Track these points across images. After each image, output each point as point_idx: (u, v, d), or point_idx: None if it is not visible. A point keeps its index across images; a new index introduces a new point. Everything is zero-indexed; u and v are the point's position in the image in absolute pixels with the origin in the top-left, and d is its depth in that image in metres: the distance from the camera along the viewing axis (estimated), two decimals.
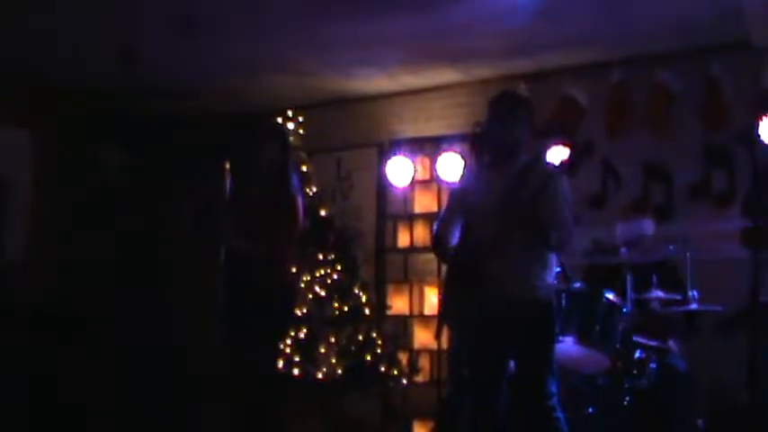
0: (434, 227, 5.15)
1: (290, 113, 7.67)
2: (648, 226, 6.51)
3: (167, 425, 7.09)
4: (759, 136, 6.48)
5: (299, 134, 7.67)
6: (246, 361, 5.44)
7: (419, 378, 7.82)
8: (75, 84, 8.26)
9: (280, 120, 7.53)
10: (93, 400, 7.08)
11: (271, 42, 7.27)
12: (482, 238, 4.69)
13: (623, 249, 5.97)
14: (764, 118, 6.54)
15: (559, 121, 7.63)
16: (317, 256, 7.44)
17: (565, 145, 5.54)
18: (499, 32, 7.04)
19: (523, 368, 4.71)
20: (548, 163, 5.15)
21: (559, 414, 4.65)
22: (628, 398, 5.70)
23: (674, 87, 7.41)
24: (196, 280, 6.83)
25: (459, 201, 5.00)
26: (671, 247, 6.39)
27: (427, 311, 8.24)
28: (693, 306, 5.87)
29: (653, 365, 5.81)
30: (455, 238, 4.85)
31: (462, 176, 6.74)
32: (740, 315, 5.48)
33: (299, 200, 5.65)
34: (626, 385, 5.72)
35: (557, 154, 7.00)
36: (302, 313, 7.16)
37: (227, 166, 5.50)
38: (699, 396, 5.96)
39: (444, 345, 7.06)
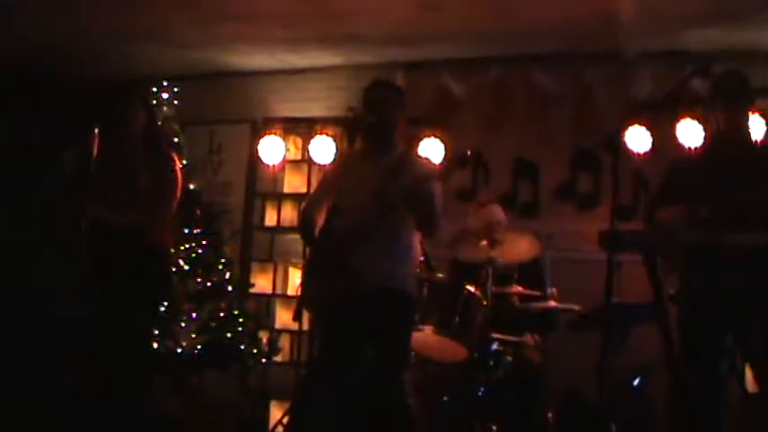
0: (303, 207, 5.14)
1: (165, 83, 7.52)
2: (498, 213, 6.58)
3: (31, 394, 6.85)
4: (624, 143, 6.70)
5: (173, 105, 7.51)
6: (116, 333, 5.25)
7: (279, 358, 7.79)
8: None
9: (154, 89, 7.37)
10: None
11: (152, 11, 7.12)
12: (349, 225, 4.70)
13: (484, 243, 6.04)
14: (631, 126, 6.77)
15: (435, 113, 7.72)
16: (182, 230, 7.32)
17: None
18: (382, 20, 7.07)
19: (379, 355, 4.74)
20: (422, 157, 5.24)
21: (410, 401, 4.71)
22: (482, 389, 5.79)
23: (548, 89, 7.58)
24: (60, 247, 6.60)
25: (331, 184, 5.01)
26: None
27: (290, 292, 8.19)
28: (551, 303, 6.01)
29: (508, 358, 5.93)
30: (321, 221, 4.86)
31: (335, 160, 6.77)
32: (594, 314, 5.64)
33: (178, 167, 5.51)
34: (481, 376, 5.81)
35: (431, 148, 7.11)
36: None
37: (97, 132, 5.33)
38: (551, 390, 6.11)
39: (306, 326, 7.05)
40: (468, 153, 4.79)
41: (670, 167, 4.94)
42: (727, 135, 4.61)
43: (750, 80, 4.64)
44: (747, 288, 4.32)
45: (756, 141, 4.82)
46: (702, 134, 6.44)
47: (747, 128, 4.65)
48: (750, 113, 4.69)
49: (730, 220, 4.32)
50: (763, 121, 6.45)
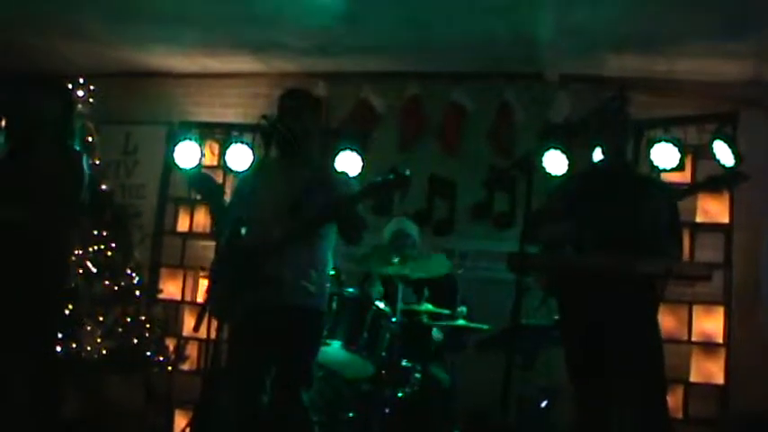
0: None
1: (81, 80, 7.35)
2: (411, 226, 6.63)
3: None
4: (540, 164, 6.76)
5: (89, 102, 7.35)
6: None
7: (185, 366, 7.69)
8: None
9: (70, 85, 7.19)
10: None
11: (69, 6, 6.99)
12: (264, 235, 4.63)
13: (396, 260, 6.02)
14: (549, 150, 6.82)
15: (354, 125, 7.69)
16: (91, 231, 7.16)
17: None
18: (303, 29, 7.04)
19: (284, 370, 4.67)
20: (339, 171, 5.23)
21: (314, 418, 4.67)
22: (389, 405, 5.77)
23: (467, 107, 7.61)
24: None
25: (245, 194, 4.93)
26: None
27: (200, 299, 8.07)
28: (461, 322, 6.01)
29: (416, 376, 5.91)
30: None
31: (250, 168, 6.70)
32: (502, 334, 5.65)
33: (84, 163, 5.31)
34: (388, 393, 5.78)
35: (349, 161, 7.09)
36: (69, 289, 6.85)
37: (3, 123, 5.16)
38: (458, 408, 6.11)
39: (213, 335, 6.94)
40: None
41: (553, 191, 5.03)
42: (607, 162, 4.76)
43: (631, 107, 4.81)
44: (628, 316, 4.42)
45: (636, 169, 4.98)
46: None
47: (626, 155, 4.81)
48: (630, 140, 4.85)
49: (610, 246, 4.41)
50: (675, 149, 6.55)
